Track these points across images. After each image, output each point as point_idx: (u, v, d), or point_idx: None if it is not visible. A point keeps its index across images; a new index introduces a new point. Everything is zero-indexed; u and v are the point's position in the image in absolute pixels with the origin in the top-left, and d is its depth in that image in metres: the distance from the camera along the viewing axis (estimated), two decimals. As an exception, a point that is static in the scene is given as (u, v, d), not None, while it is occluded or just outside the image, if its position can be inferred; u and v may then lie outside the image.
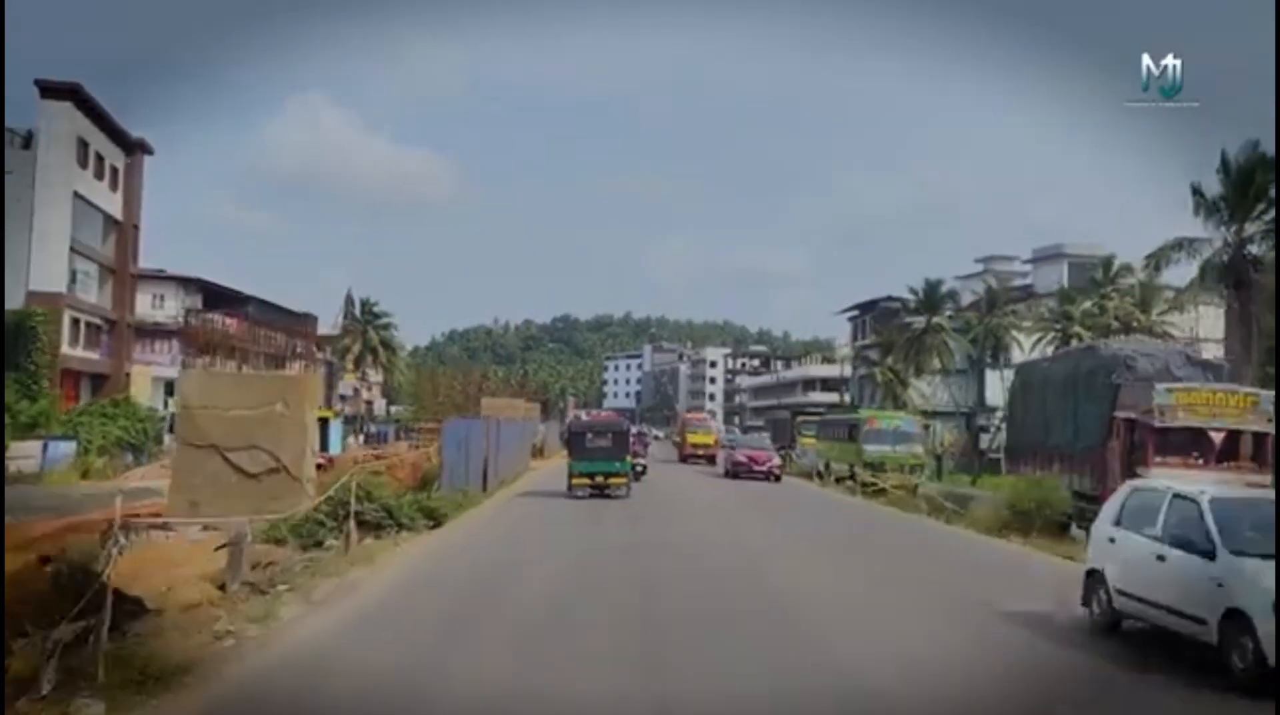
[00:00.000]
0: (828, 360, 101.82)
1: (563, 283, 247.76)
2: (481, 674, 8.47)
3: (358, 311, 71.96)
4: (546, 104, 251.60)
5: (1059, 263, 60.94)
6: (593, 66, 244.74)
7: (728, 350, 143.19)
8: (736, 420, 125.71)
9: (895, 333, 55.19)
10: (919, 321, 53.21)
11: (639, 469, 31.83)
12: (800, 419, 55.42)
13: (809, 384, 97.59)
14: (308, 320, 72.35)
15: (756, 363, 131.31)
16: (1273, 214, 27.14)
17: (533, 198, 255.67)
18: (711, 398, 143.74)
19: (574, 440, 26.05)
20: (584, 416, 46.03)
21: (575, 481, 24.92)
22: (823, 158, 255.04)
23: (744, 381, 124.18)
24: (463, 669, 8.65)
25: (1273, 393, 17.88)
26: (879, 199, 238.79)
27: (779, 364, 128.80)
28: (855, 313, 76.25)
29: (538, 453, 43.07)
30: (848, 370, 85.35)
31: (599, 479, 24.85)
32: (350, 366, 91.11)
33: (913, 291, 52.46)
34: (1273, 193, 26.59)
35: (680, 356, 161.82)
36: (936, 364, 51.23)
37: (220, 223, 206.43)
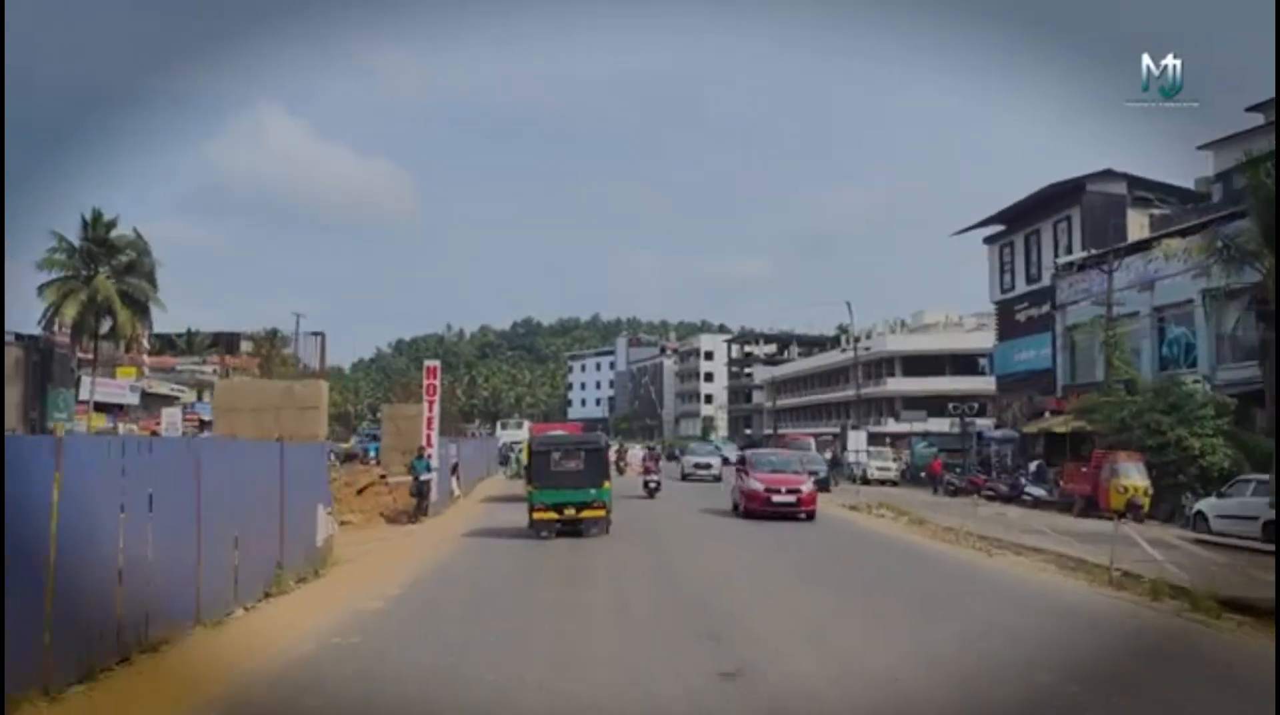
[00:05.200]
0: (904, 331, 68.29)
1: (526, 293, 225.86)
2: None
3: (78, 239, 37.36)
4: (506, 112, 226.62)
5: None
6: (551, 74, 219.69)
7: (729, 335, 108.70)
8: (749, 430, 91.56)
9: None
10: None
11: (652, 485, 29.29)
12: None
13: (875, 368, 63.59)
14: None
15: (772, 349, 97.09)
16: None
17: (493, 206, 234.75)
18: (709, 400, 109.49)
19: (535, 462, 19.23)
20: (507, 426, 41.93)
21: (538, 516, 18.66)
22: (806, 162, 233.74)
23: (760, 374, 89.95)
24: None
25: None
26: (874, 203, 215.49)
27: (795, 351, 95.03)
28: (999, 229, 42.50)
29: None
30: (969, 340, 51.76)
31: (569, 512, 18.54)
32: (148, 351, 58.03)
33: None
34: None
35: (663, 350, 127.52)
36: None
37: (172, 242, 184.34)
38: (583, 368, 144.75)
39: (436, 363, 22.30)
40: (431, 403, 21.51)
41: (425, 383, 21.93)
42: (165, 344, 69.08)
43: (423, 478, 21.20)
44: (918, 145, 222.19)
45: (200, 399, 65.74)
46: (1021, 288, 40.37)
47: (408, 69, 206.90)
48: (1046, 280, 37.57)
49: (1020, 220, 40.39)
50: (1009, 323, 41.51)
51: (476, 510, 25.12)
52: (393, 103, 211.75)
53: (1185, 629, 10.21)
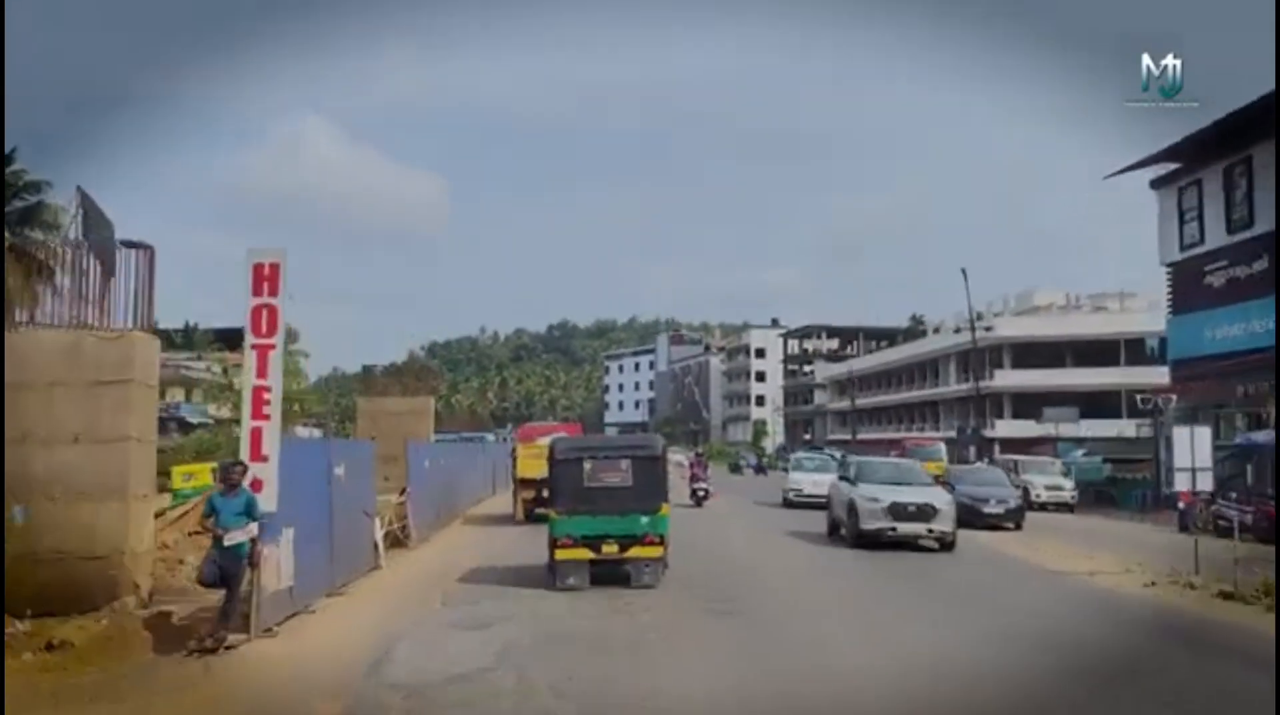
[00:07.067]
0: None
1: (561, 298, 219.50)
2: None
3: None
4: (541, 120, 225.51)
5: None
6: (585, 82, 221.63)
7: (781, 329, 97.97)
8: (808, 435, 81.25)
9: None
10: None
11: (700, 493, 26.23)
12: None
13: (972, 358, 52.97)
14: None
15: (834, 344, 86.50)
16: None
17: (527, 212, 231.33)
18: (760, 402, 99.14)
19: (560, 475, 12.91)
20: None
21: (563, 555, 12.47)
22: (819, 166, 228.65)
23: (822, 371, 79.51)
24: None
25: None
26: (876, 206, 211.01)
27: (860, 345, 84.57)
28: (1172, 169, 32.03)
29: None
30: (1089, 323, 41.26)
31: (609, 549, 12.42)
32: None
33: None
34: None
35: (708, 348, 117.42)
36: None
37: (203, 252, 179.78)
38: (620, 368, 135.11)
39: (277, 258, 9.02)
40: (264, 355, 9.12)
41: (252, 304, 9.01)
42: (163, 340, 60.98)
43: (234, 540, 8.83)
44: (923, 149, 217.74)
45: (188, 399, 57.21)
46: (1217, 240, 29.88)
47: (446, 78, 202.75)
48: (1267, 224, 27.13)
49: (1212, 151, 29.83)
50: (1193, 289, 31.01)
51: (431, 580, 13.39)
52: (431, 111, 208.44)
53: None
